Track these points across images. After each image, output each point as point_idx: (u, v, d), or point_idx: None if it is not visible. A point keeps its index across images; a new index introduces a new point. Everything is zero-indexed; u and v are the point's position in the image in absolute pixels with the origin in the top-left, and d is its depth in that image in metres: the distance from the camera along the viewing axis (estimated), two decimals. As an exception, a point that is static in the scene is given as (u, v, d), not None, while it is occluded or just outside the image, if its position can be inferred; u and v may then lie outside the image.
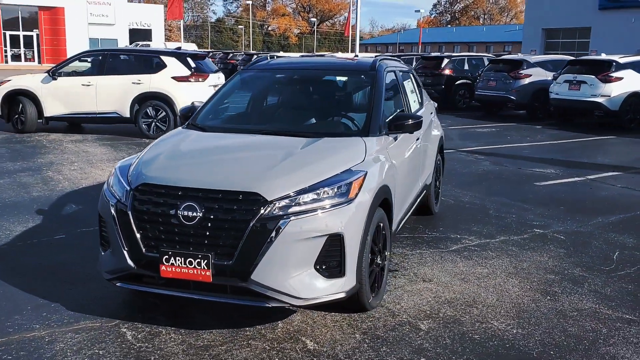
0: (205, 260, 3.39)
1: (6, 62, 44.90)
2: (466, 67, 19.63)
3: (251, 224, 3.35)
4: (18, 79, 11.98)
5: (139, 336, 3.59)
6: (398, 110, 5.06)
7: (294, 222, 3.38)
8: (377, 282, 4.05)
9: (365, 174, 3.78)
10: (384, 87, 4.80)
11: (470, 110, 18.73)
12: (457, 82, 19.05)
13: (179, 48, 12.98)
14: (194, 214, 3.41)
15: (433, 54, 22.40)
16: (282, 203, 3.41)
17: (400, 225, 4.88)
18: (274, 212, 3.38)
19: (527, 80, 16.36)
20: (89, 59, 12.40)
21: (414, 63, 20.23)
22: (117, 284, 3.70)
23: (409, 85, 5.73)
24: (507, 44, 64.17)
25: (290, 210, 3.41)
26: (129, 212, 3.56)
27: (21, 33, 45.67)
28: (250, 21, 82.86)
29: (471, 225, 6.15)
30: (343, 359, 3.38)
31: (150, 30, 53.71)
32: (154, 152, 4.09)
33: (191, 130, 4.56)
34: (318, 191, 3.52)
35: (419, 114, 5.57)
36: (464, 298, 4.27)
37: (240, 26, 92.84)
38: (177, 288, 3.54)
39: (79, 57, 12.46)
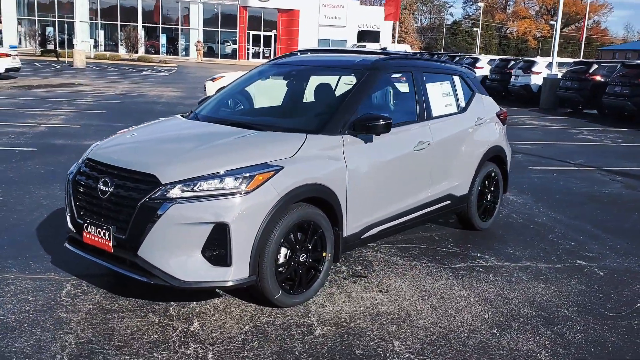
0: (108, 232, 3.75)
1: (248, 58, 50.35)
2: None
3: (140, 203, 3.61)
4: (230, 75, 13.42)
5: (72, 292, 4.09)
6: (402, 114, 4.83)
7: (179, 206, 3.56)
8: (302, 281, 4.02)
9: (279, 169, 3.78)
10: (368, 87, 4.66)
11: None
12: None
13: (384, 48, 13.42)
14: (107, 188, 3.79)
15: (637, 61, 19.65)
16: (175, 187, 3.60)
17: (374, 233, 4.63)
18: (164, 194, 3.59)
19: None
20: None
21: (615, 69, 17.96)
22: (65, 245, 4.24)
23: (437, 87, 5.38)
24: None
25: (181, 195, 3.59)
26: (71, 182, 4.09)
27: (262, 33, 50.83)
28: (480, 23, 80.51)
29: (508, 246, 5.56)
30: (208, 345, 3.47)
31: (379, 32, 55.46)
32: (122, 132, 4.56)
33: (176, 118, 4.94)
34: (215, 180, 3.64)
35: (444, 117, 5.25)
36: (398, 314, 3.99)
37: (475, 29, 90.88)
38: (97, 255, 3.95)
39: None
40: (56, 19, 48.36)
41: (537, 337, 3.76)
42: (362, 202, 4.42)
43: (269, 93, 5.33)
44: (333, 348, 3.50)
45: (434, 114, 5.25)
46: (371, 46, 40.64)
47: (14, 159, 8.20)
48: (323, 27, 51.26)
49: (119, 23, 49.35)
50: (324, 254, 4.16)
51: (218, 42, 51.19)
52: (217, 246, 3.61)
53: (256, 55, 51.00)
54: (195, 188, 3.62)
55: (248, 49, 50.65)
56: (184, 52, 50.92)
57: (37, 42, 43.64)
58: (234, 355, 3.35)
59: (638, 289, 4.67)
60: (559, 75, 20.46)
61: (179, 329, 3.64)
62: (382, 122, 4.31)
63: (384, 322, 3.87)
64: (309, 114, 4.79)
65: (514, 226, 6.26)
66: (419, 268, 4.88)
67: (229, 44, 51.15)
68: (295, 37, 49.75)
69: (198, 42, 47.11)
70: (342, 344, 3.56)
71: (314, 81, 5.18)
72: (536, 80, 21.75)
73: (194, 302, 4.00)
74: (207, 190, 3.62)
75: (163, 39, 50.07)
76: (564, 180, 8.72)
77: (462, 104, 5.72)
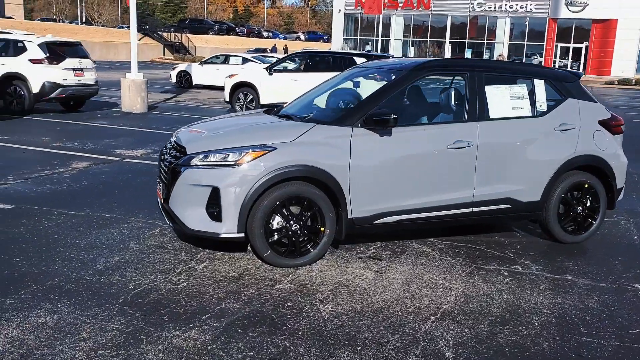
0: (161, 188, 5.06)
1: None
2: None
3: (172, 165, 4.83)
4: (244, 73, 15.79)
5: (152, 232, 5.53)
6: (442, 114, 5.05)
7: (191, 170, 4.67)
8: (296, 247, 4.73)
9: (272, 150, 4.59)
10: (397, 86, 5.07)
11: None
12: None
13: None
14: (166, 157, 5.09)
15: None
16: (195, 157, 4.71)
17: (392, 221, 4.94)
18: (187, 162, 4.73)
19: None
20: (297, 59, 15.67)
21: None
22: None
23: (504, 90, 5.34)
24: None
25: (197, 163, 4.69)
26: (159, 155, 5.52)
27: (571, 45, 47.82)
28: None
29: (577, 261, 5.19)
30: (194, 278, 4.50)
31: None
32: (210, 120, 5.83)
33: (256, 112, 5.98)
34: (222, 154, 4.65)
35: (508, 120, 5.27)
36: (365, 289, 4.38)
37: None
38: (160, 206, 5.27)
39: (288, 58, 15.96)
40: (374, 38, 53.43)
41: (464, 333, 3.81)
42: (371, 190, 4.86)
43: (338, 94, 6.00)
44: (274, 298, 4.17)
45: (492, 116, 5.27)
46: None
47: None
48: (646, 37, 45.76)
49: (428, 39, 52.11)
50: (322, 229, 4.78)
51: (523, 56, 49.94)
52: (214, 205, 4.61)
53: (563, 68, 48.21)
54: (207, 159, 4.68)
55: (554, 61, 48.23)
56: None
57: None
58: (204, 287, 4.31)
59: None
60: None
61: (185, 264, 4.74)
62: (385, 117, 4.72)
63: (342, 291, 4.34)
64: (339, 109, 5.38)
65: (617, 246, 5.68)
66: (444, 262, 5.03)
67: (535, 57, 49.49)
68: (610, 49, 45.54)
69: (500, 55, 46.78)
70: (284, 297, 4.19)
71: (367, 83, 5.71)
72: None
73: (211, 250, 5.05)
74: (214, 161, 4.65)
75: (468, 54, 51.05)
76: None
77: (543, 108, 5.51)
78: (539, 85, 5.54)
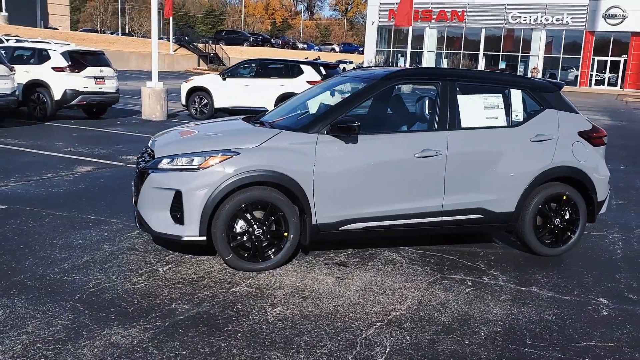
0: (133, 190, 5.19)
1: (590, 85, 47.02)
2: None
3: (141, 168, 4.96)
4: (198, 78, 16.17)
5: (127, 232, 5.66)
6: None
7: (157, 174, 4.78)
8: (259, 252, 4.79)
9: (236, 154, 4.68)
10: (366, 94, 5.13)
11: None
12: None
13: None
14: (142, 162, 5.22)
15: None
16: (161, 160, 4.83)
17: (359, 228, 4.96)
18: (154, 165, 4.85)
19: None
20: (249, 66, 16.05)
21: None
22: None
23: (478, 100, 5.31)
24: None
25: (162, 166, 4.80)
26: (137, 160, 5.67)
27: (609, 58, 46.79)
28: None
29: (545, 274, 5.12)
30: (154, 280, 4.60)
31: None
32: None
33: (237, 118, 6.06)
34: (187, 158, 4.74)
35: (480, 130, 5.25)
36: (319, 294, 4.40)
37: None
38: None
39: (241, 64, 16.25)
40: (406, 50, 53.36)
41: (394, 342, 3.79)
42: (336, 196, 4.89)
43: (314, 103, 6.05)
44: (226, 300, 4.23)
45: (465, 125, 5.25)
46: None
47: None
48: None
49: (461, 52, 51.74)
50: (286, 234, 4.83)
51: (559, 69, 49.11)
52: (177, 208, 4.71)
53: (600, 82, 47.22)
54: (172, 162, 4.79)
55: (591, 75, 47.28)
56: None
57: (386, 69, 49.01)
58: (160, 288, 4.40)
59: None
60: None
61: (150, 266, 4.84)
62: (349, 124, 4.76)
63: (296, 295, 4.38)
64: (307, 116, 5.42)
65: (596, 260, 5.57)
66: (410, 271, 5.01)
67: (572, 70, 48.63)
68: (649, 62, 44.47)
69: (534, 68, 46.15)
70: (236, 300, 4.24)
71: (345, 91, 5.75)
72: None
73: (180, 253, 5.15)
74: (179, 165, 4.75)
75: (502, 66, 50.44)
76: None
77: (519, 118, 5.45)
78: (516, 95, 5.49)
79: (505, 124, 5.40)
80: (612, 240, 6.23)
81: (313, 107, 5.72)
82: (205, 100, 15.69)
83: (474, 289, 4.68)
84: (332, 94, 5.99)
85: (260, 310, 4.09)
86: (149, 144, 5.28)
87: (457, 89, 5.31)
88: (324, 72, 15.08)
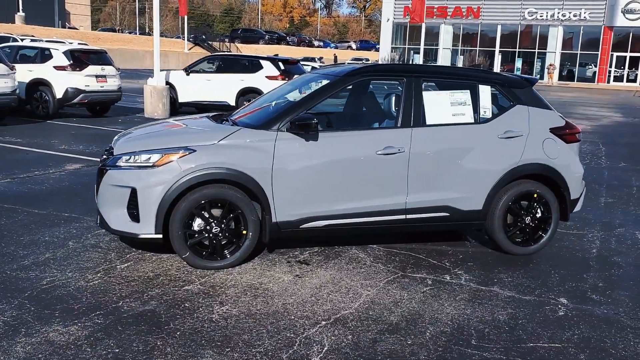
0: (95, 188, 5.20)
1: (608, 81, 46.25)
2: None
3: (100, 166, 4.96)
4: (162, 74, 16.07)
5: (92, 229, 5.69)
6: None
7: (114, 171, 4.78)
8: (217, 249, 4.77)
9: (191, 152, 4.65)
10: (328, 91, 5.04)
11: None
12: None
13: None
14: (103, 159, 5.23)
15: None
16: (120, 158, 4.82)
17: (320, 225, 4.90)
18: (113, 162, 4.85)
19: None
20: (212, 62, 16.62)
21: None
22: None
23: (444, 96, 5.22)
24: None
25: (119, 163, 4.79)
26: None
27: (628, 54, 45.98)
28: None
29: (511, 273, 5.02)
30: (111, 276, 4.60)
31: None
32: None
33: (203, 116, 6.01)
34: (145, 155, 4.73)
35: (446, 126, 5.16)
36: (273, 292, 4.37)
37: None
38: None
39: (204, 60, 16.70)
40: (421, 47, 52.99)
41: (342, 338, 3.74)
42: (296, 194, 4.84)
43: (282, 101, 6.00)
44: (175, 299, 4.22)
45: (430, 122, 5.16)
46: None
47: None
48: None
49: (477, 48, 51.23)
50: (245, 232, 4.80)
51: (577, 65, 48.40)
52: (133, 206, 4.70)
53: (619, 78, 46.40)
54: (129, 160, 4.78)
55: (609, 71, 46.50)
56: (537, 76, 49.75)
57: (400, 67, 48.73)
58: (112, 285, 4.40)
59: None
60: None
61: (109, 264, 4.85)
62: (307, 122, 4.71)
63: (248, 294, 4.34)
64: (267, 113, 5.36)
65: (569, 259, 5.44)
66: (372, 269, 4.95)
67: (590, 66, 47.88)
68: (670, 58, 43.60)
69: (551, 65, 45.56)
70: (186, 298, 4.23)
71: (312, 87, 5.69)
72: None
73: (143, 251, 5.14)
74: (136, 162, 4.74)
75: (518, 63, 49.88)
76: None
77: (487, 114, 5.35)
78: (484, 91, 5.38)
79: (472, 121, 5.30)
80: (590, 239, 6.10)
81: (280, 104, 5.68)
82: (171, 95, 15.92)
83: (432, 287, 4.61)
84: (300, 92, 5.93)
85: (207, 309, 4.06)
86: (112, 142, 5.29)
87: (423, 85, 5.23)
88: (282, 67, 15.25)
